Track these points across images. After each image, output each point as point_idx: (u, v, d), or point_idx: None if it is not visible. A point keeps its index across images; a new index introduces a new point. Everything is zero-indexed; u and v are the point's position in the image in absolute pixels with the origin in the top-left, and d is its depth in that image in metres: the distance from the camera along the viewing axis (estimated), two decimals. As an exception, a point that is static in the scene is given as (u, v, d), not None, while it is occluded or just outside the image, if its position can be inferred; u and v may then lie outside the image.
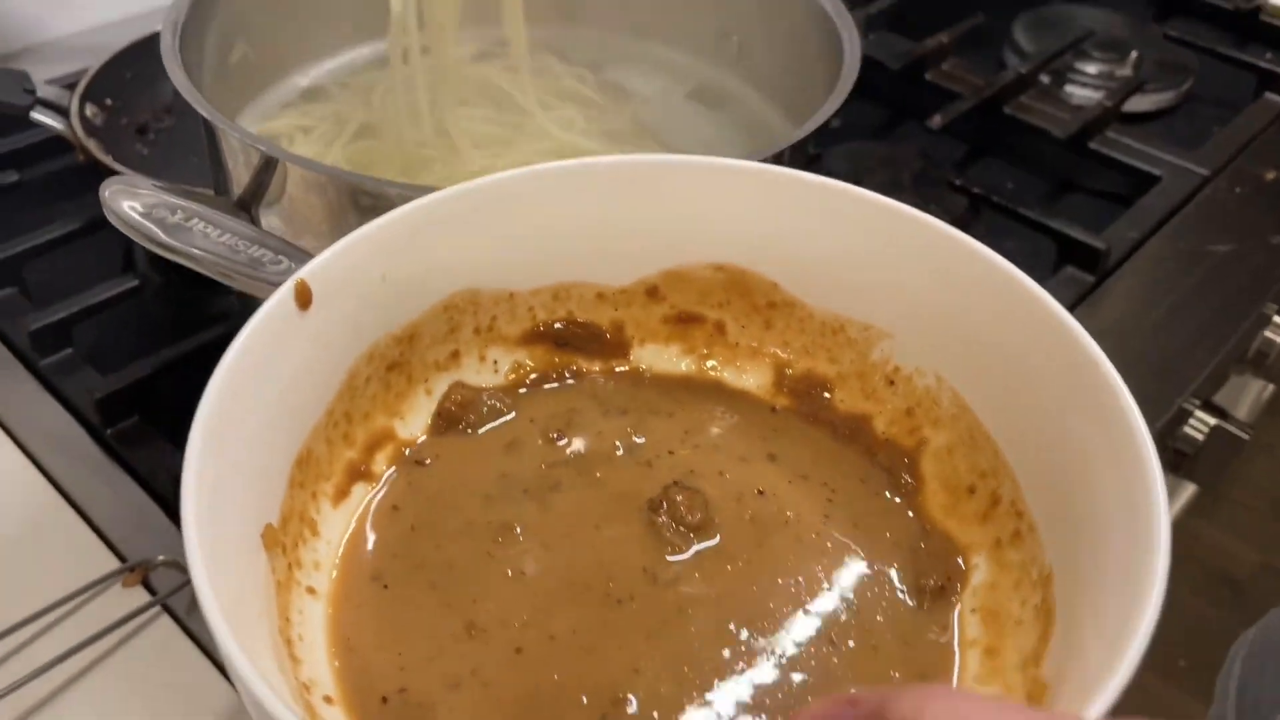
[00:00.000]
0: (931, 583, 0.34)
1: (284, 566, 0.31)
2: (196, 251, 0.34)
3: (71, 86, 0.67)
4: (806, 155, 0.43)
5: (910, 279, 0.36)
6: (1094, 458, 0.31)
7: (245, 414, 0.30)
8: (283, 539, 0.32)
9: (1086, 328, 0.68)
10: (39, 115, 0.63)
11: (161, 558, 0.48)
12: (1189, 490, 0.97)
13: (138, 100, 0.70)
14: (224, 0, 0.47)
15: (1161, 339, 0.64)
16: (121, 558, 0.49)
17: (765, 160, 0.38)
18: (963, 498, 0.36)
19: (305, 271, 0.31)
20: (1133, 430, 0.30)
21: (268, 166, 0.38)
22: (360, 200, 0.37)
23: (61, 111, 0.64)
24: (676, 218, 0.38)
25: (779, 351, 0.40)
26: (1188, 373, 0.63)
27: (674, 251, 0.38)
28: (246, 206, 0.40)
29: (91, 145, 0.63)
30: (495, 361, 0.39)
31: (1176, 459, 0.68)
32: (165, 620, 0.46)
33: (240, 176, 0.40)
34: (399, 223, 0.33)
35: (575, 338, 0.39)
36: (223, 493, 0.28)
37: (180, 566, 0.48)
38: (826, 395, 0.40)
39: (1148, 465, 0.29)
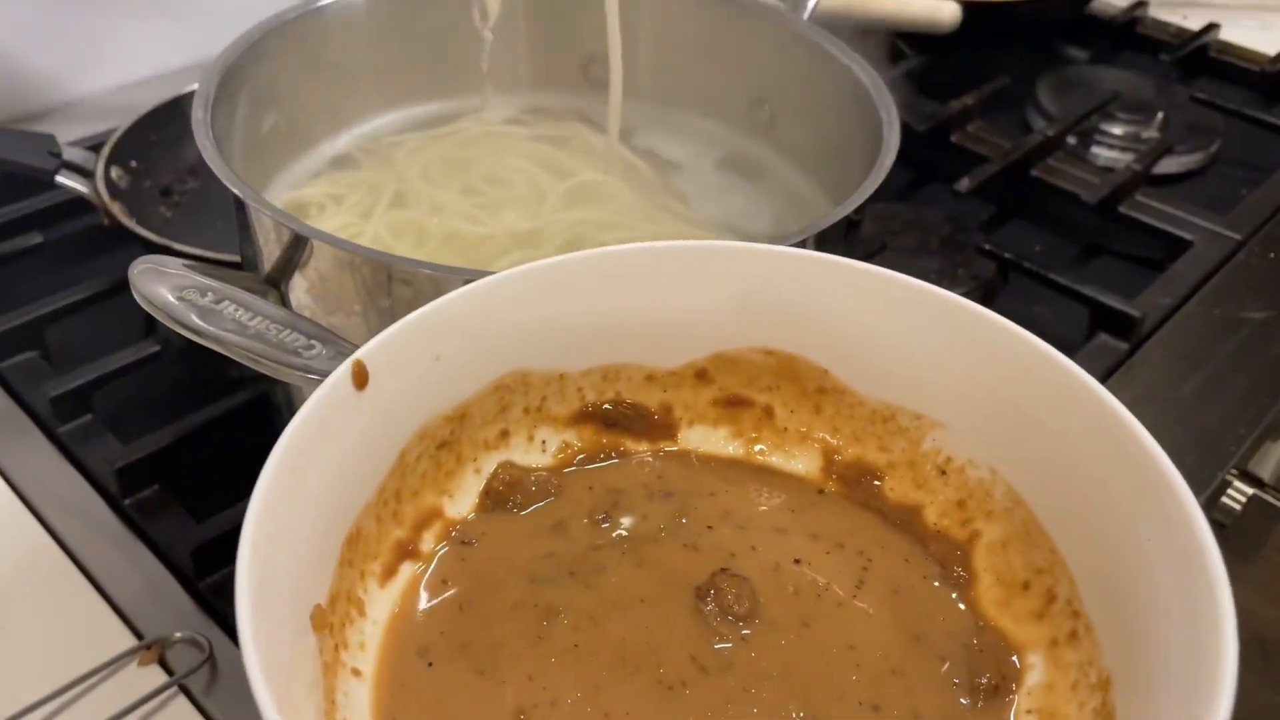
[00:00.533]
0: (986, 681, 0.33)
1: (330, 648, 0.31)
2: (228, 337, 0.33)
3: (96, 148, 0.67)
4: (847, 230, 0.42)
5: (965, 371, 0.36)
6: (1156, 563, 0.30)
7: (300, 493, 0.29)
8: (330, 619, 0.31)
9: (1121, 397, 0.67)
10: (64, 179, 0.62)
11: (179, 634, 0.47)
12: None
13: (162, 163, 0.70)
14: (254, 72, 0.46)
15: (1199, 410, 0.63)
16: (138, 633, 0.48)
17: (810, 239, 0.37)
18: (1017, 593, 0.35)
19: (363, 352, 0.31)
20: (1198, 538, 0.28)
21: (298, 244, 0.37)
22: (394, 279, 0.36)
23: (86, 174, 0.64)
24: (726, 302, 0.37)
25: (828, 437, 0.39)
26: (1228, 445, 0.61)
27: (723, 335, 0.38)
28: (275, 283, 0.39)
29: (116, 208, 0.62)
30: (544, 441, 0.38)
31: (1213, 529, 0.66)
32: (182, 701, 0.45)
33: (270, 252, 0.39)
34: (454, 305, 0.33)
35: (623, 418, 0.39)
36: (274, 573, 0.27)
37: (198, 644, 0.47)
38: (876, 483, 0.39)
39: (1214, 574, 0.28)
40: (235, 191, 0.38)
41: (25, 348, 0.61)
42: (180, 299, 0.34)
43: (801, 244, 0.38)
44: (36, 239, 0.67)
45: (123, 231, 0.64)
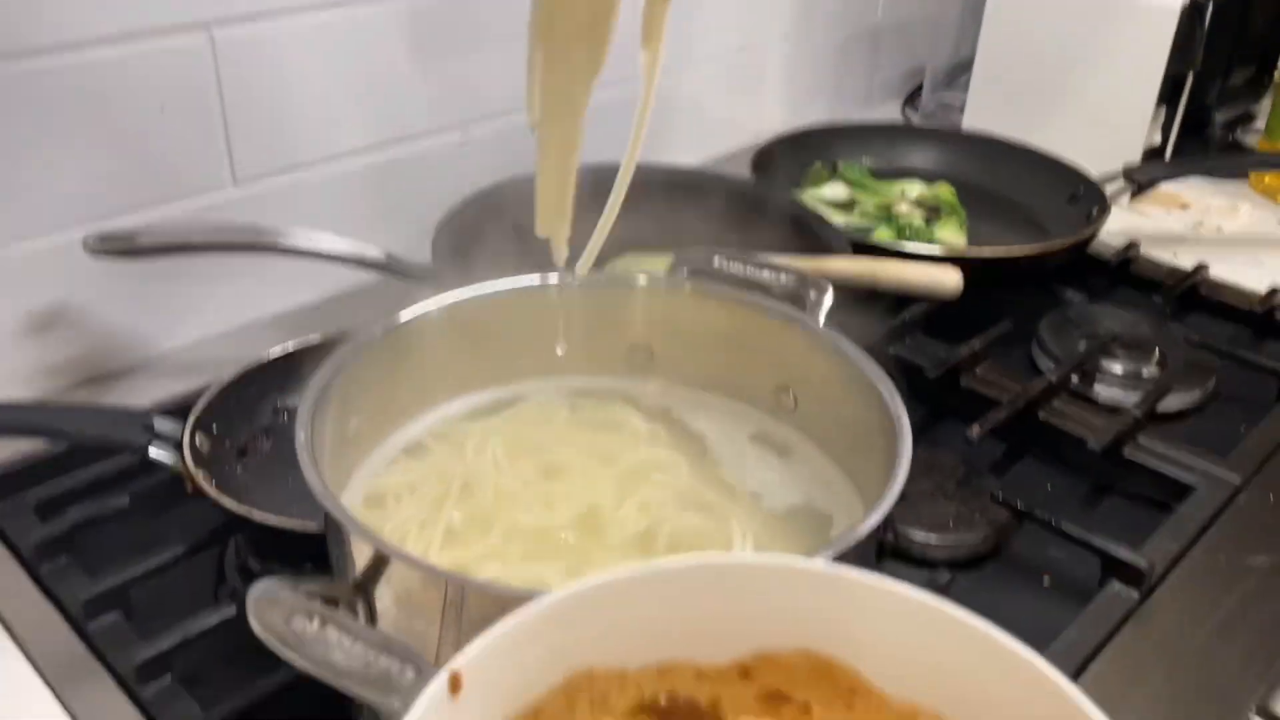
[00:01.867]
0: None
1: None
2: (335, 665, 0.38)
3: (180, 411, 0.73)
4: (878, 535, 0.47)
5: (981, 684, 0.40)
6: None
7: None
8: None
9: (1137, 646, 0.70)
10: (156, 453, 0.69)
11: None
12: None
13: (239, 424, 0.76)
14: (343, 385, 0.53)
15: (1214, 658, 0.66)
16: None
17: (844, 551, 0.42)
18: None
19: (458, 662, 0.36)
20: None
21: (382, 561, 0.43)
22: (469, 597, 0.42)
23: (174, 443, 0.70)
24: (768, 609, 0.42)
25: (861, 733, 0.43)
26: (1244, 694, 0.64)
27: (765, 637, 0.42)
28: (363, 589, 0.45)
29: (199, 476, 0.68)
30: (607, 736, 0.42)
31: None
32: None
33: (359, 562, 0.44)
34: (532, 620, 0.38)
35: (677, 711, 0.43)
36: None
37: None
38: (902, 775, 0.42)
39: None
40: (335, 516, 0.44)
41: (111, 608, 0.66)
42: (291, 627, 0.39)
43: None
44: (123, 501, 0.73)
45: (201, 494, 0.70)
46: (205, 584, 0.71)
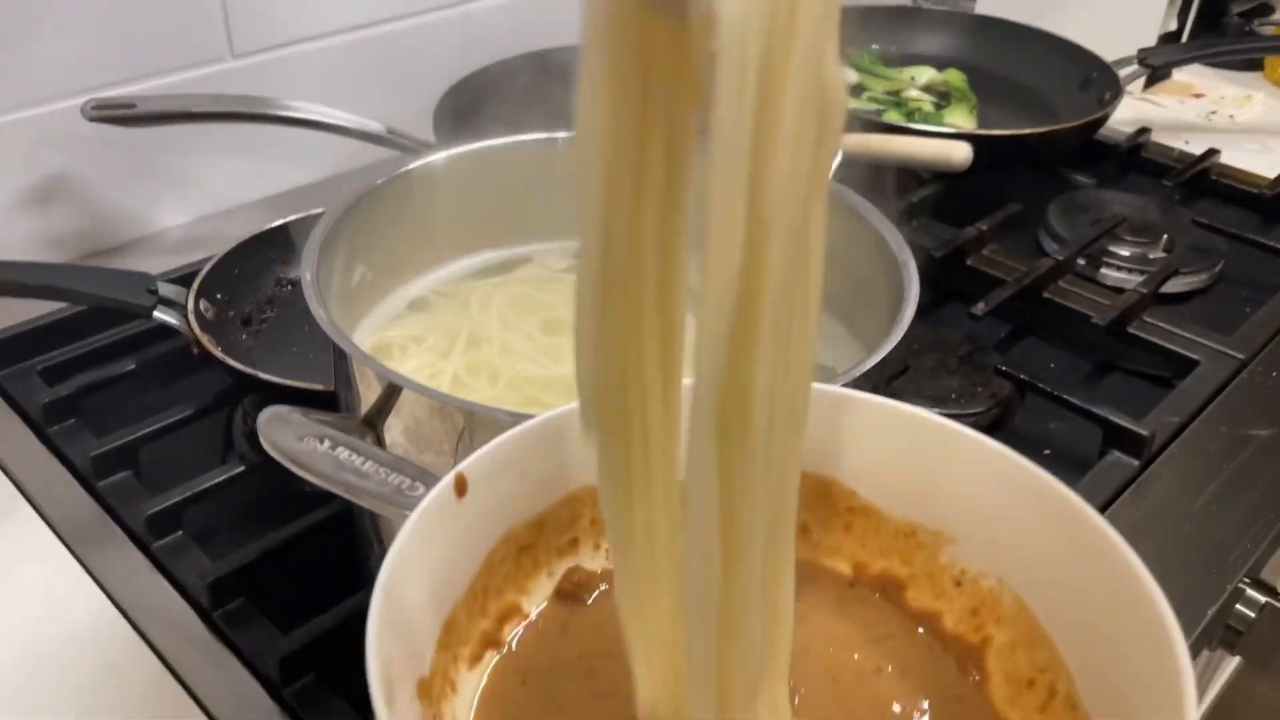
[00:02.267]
0: None
1: (430, 717, 0.35)
2: (346, 482, 0.38)
3: (183, 280, 0.73)
4: (883, 372, 0.47)
5: (975, 495, 0.40)
6: (1137, 662, 0.34)
7: (411, 582, 0.35)
8: (432, 691, 0.36)
9: (1134, 514, 0.70)
10: (160, 314, 0.69)
11: (267, 740, 0.51)
12: (1244, 659, 0.97)
13: (243, 294, 0.76)
14: (348, 232, 0.53)
15: (1210, 522, 0.67)
16: (228, 738, 0.52)
17: (848, 384, 0.42)
18: (1023, 690, 0.39)
19: (464, 466, 0.37)
20: (1174, 650, 0.33)
21: (393, 393, 0.43)
22: (477, 424, 0.42)
23: (179, 308, 0.70)
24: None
25: (857, 552, 0.44)
26: (1239, 555, 0.65)
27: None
28: (372, 423, 0.45)
29: (205, 339, 0.68)
30: (607, 549, 0.43)
31: (1229, 636, 0.69)
32: (272, 804, 0.49)
33: (368, 398, 0.45)
34: (537, 429, 0.38)
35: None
36: (390, 650, 0.32)
37: (286, 749, 0.51)
38: (900, 593, 0.43)
39: (1181, 666, 0.32)
40: (340, 345, 0.44)
41: (121, 468, 0.67)
42: (304, 447, 0.39)
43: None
44: (129, 365, 0.74)
45: (208, 358, 0.70)
46: (213, 447, 0.71)
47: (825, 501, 0.44)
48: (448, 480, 0.37)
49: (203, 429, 0.71)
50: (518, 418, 0.39)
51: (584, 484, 0.42)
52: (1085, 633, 0.37)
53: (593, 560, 0.43)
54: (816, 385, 0.42)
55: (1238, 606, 0.69)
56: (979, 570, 0.41)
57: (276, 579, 0.60)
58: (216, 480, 0.64)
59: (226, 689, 0.54)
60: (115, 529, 0.63)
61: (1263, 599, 0.68)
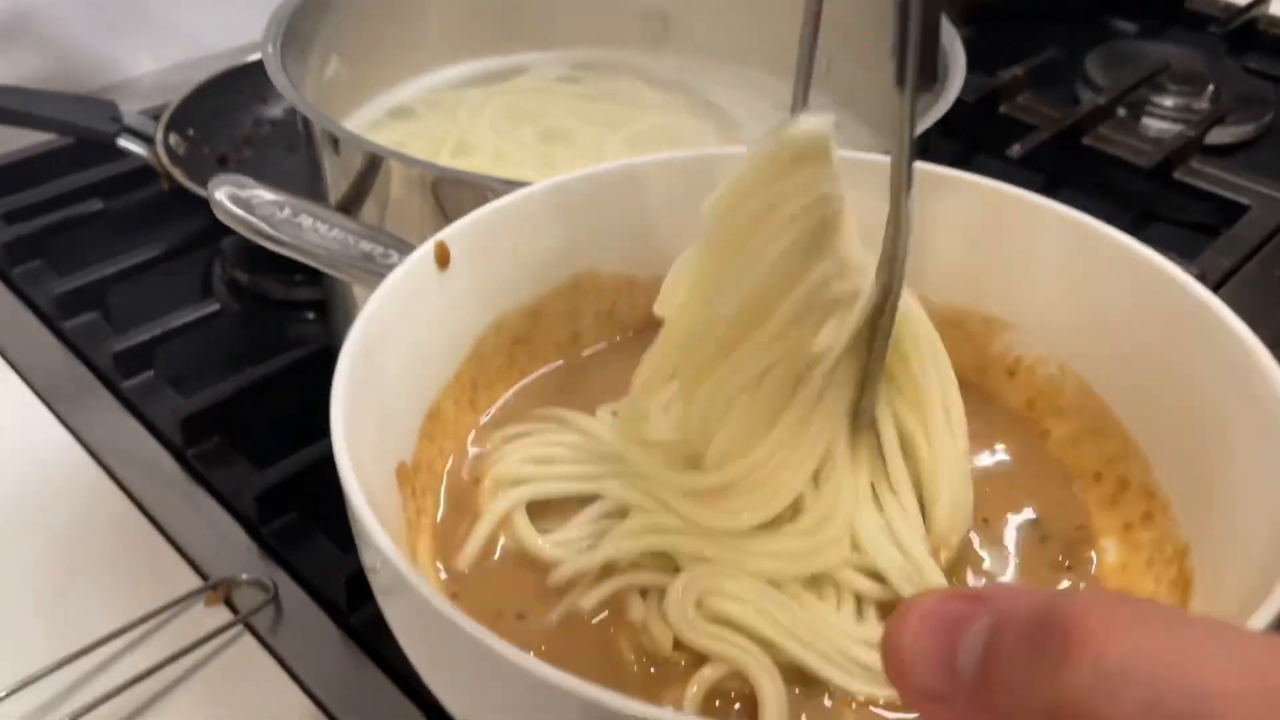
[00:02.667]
0: (1061, 560, 0.33)
1: (414, 510, 0.32)
2: (308, 245, 0.33)
3: (156, 117, 0.68)
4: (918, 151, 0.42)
5: (1035, 268, 0.36)
6: (1235, 436, 0.30)
7: (386, 355, 0.31)
8: (414, 483, 0.32)
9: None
10: (125, 143, 0.63)
11: (245, 576, 0.47)
12: None
13: (219, 132, 0.71)
14: (318, 17, 0.47)
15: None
16: (204, 577, 0.48)
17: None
18: (1089, 485, 0.35)
19: (445, 234, 0.32)
20: (1275, 399, 0.28)
21: (372, 168, 0.38)
22: (464, 199, 0.37)
23: (147, 140, 0.65)
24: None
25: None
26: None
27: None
28: (346, 210, 0.40)
29: (176, 173, 0.63)
30: (610, 348, 0.38)
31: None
32: (248, 639, 0.45)
33: (339, 182, 0.39)
34: (532, 199, 0.34)
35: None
36: (363, 423, 0.29)
37: (263, 586, 0.47)
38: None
39: None
40: (306, 114, 0.38)
41: (87, 308, 0.62)
42: (257, 212, 0.34)
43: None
44: (97, 205, 0.68)
45: (180, 201, 0.65)
46: (189, 291, 0.66)
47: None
48: (427, 248, 0.32)
49: (177, 272, 0.66)
50: (511, 185, 0.34)
51: (586, 269, 0.37)
52: (1166, 412, 0.33)
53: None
54: (849, 153, 0.37)
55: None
56: (1037, 357, 0.37)
57: (254, 418, 0.55)
58: (189, 319, 0.60)
59: (203, 530, 0.50)
60: (83, 369, 0.59)
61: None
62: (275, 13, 0.44)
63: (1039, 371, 0.37)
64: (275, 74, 0.40)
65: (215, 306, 0.60)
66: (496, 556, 0.32)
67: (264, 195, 0.35)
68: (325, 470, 0.52)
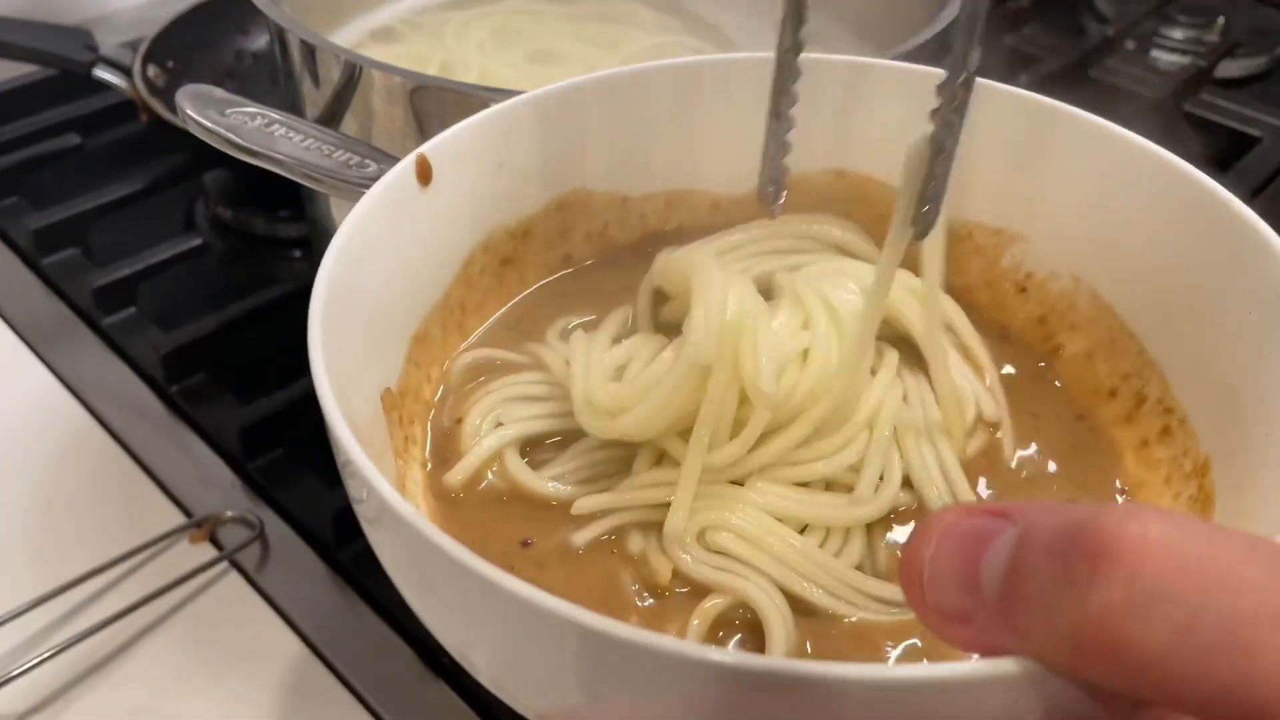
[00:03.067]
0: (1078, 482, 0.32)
1: (400, 438, 0.30)
2: (280, 156, 0.31)
3: (134, 48, 0.66)
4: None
5: (1047, 174, 0.34)
6: (1261, 340, 0.28)
7: (366, 275, 0.29)
8: (400, 410, 0.31)
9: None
10: (102, 73, 0.61)
11: (230, 513, 0.46)
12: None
13: (198, 64, 0.68)
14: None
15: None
16: (189, 514, 0.47)
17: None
18: (1103, 402, 0.33)
19: (427, 147, 0.30)
20: None
21: (351, 79, 0.36)
22: (446, 109, 0.35)
23: (124, 71, 0.62)
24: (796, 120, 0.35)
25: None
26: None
27: (792, 156, 0.36)
28: (325, 126, 0.38)
29: (155, 104, 0.61)
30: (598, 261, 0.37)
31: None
32: (234, 575, 0.44)
33: (316, 97, 0.38)
34: (517, 110, 0.32)
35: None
36: (344, 346, 0.27)
37: (248, 523, 0.46)
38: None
39: None
40: (280, 24, 0.36)
41: (67, 244, 0.60)
42: (227, 122, 0.32)
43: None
44: (75, 140, 0.66)
45: (158, 137, 0.63)
46: (172, 228, 0.64)
47: (863, 205, 0.37)
48: (408, 161, 0.30)
49: (159, 208, 0.64)
50: (495, 94, 0.32)
51: (577, 186, 0.35)
52: (1185, 321, 0.31)
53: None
54: (839, 57, 0.35)
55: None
56: (1049, 271, 0.35)
57: (239, 354, 0.54)
58: (171, 254, 0.58)
59: (187, 467, 0.49)
60: (61, 306, 0.57)
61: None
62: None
63: (1051, 286, 0.35)
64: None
65: (198, 241, 0.58)
66: (484, 486, 0.31)
67: (234, 105, 0.33)
68: (312, 407, 0.51)
